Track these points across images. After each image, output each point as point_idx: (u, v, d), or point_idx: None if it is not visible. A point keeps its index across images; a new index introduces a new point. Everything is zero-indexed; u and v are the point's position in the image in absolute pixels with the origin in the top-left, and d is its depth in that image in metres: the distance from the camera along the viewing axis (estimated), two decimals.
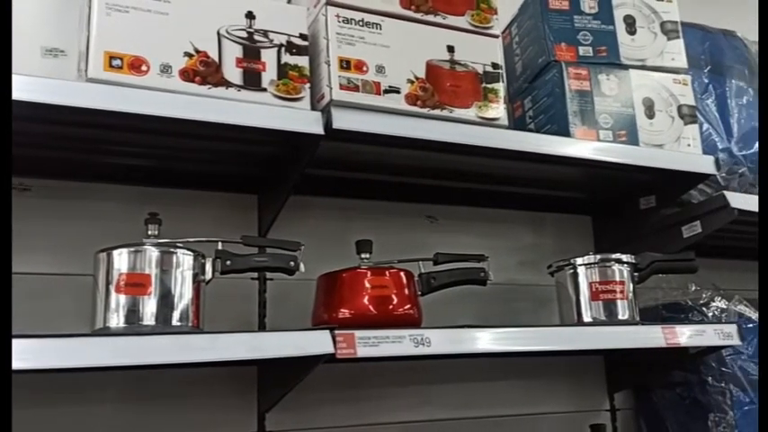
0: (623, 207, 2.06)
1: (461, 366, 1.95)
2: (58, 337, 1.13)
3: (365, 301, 1.51)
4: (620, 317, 1.76)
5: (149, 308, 1.29)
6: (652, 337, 1.65)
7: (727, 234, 2.02)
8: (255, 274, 1.73)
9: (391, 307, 1.53)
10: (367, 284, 1.53)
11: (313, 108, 1.43)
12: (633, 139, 1.78)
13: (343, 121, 1.41)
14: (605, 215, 2.17)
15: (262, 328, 1.69)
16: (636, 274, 1.83)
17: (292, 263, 1.43)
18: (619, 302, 1.77)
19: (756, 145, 2.01)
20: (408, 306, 1.56)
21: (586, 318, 1.76)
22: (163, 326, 1.29)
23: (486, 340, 1.50)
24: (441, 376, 1.94)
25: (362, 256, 1.61)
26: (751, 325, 1.92)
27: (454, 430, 1.68)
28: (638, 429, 2.08)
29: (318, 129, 1.40)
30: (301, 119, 1.39)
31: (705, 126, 1.99)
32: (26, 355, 1.09)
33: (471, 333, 1.49)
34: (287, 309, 1.73)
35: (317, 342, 1.32)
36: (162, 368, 1.58)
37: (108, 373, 1.57)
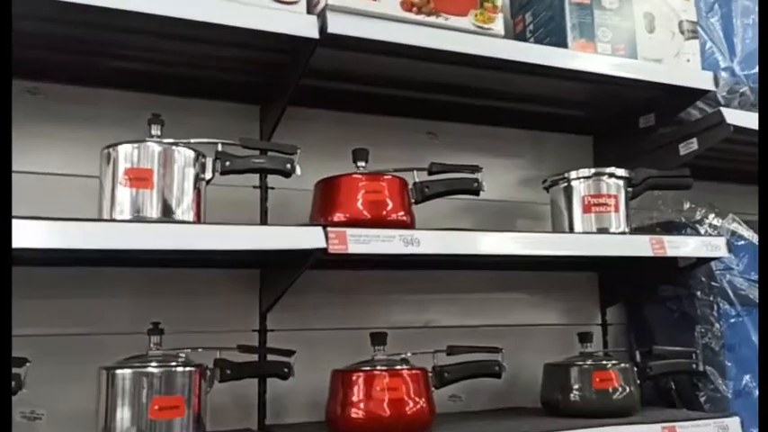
0: (623, 126, 2.09)
1: (458, 279, 2.03)
2: (67, 221, 1.21)
3: (359, 205, 1.57)
4: (611, 230, 1.81)
5: (153, 201, 1.37)
6: (640, 246, 1.70)
7: (725, 155, 2.05)
8: (257, 182, 1.81)
9: (384, 212, 1.59)
10: (361, 189, 1.58)
11: (309, 12, 1.46)
12: (632, 52, 1.79)
13: (337, 25, 1.44)
14: (605, 135, 2.19)
15: None
16: (630, 189, 1.87)
17: (289, 165, 1.49)
18: (612, 215, 1.82)
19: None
20: (402, 213, 1.61)
21: (578, 230, 1.81)
22: (166, 218, 1.36)
23: (476, 243, 1.56)
24: (437, 287, 2.01)
25: (359, 164, 1.66)
26: (743, 242, 1.96)
27: (448, 337, 1.76)
28: (628, 343, 2.16)
29: (314, 32, 1.43)
30: (297, 22, 1.42)
31: (708, 44, 1.98)
32: (39, 236, 1.18)
33: (462, 235, 1.55)
34: (287, 218, 1.80)
35: (310, 237, 1.39)
36: (168, 264, 1.68)
37: (123, 271, 1.67)
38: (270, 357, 1.60)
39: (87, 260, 1.58)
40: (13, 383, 1.26)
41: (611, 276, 2.16)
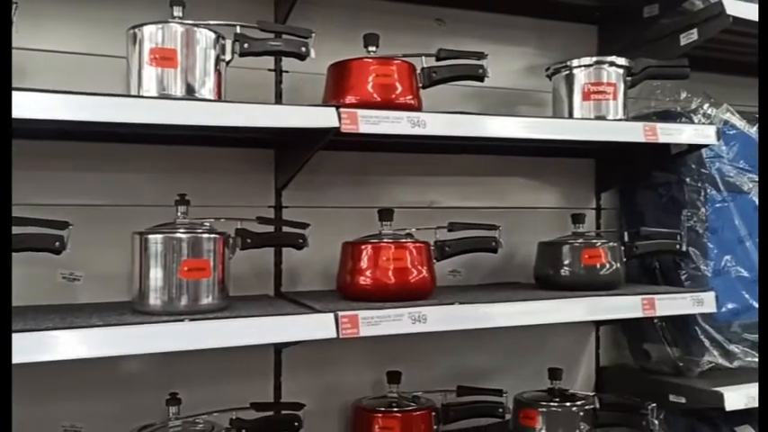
0: (627, 16, 2.13)
1: (462, 162, 2.14)
2: (94, 95, 1.32)
3: (369, 88, 1.66)
4: (608, 117, 1.90)
5: (177, 80, 1.46)
6: (633, 132, 1.80)
7: (724, 46, 2.10)
8: (272, 65, 1.88)
9: (393, 96, 1.68)
10: (372, 73, 1.66)
11: None
12: None
13: None
14: (610, 24, 2.23)
15: None
16: (629, 78, 1.94)
17: (304, 48, 1.57)
18: (610, 103, 1.91)
19: None
20: (410, 96, 1.70)
21: (577, 117, 1.90)
22: (189, 96, 1.46)
23: (479, 126, 1.66)
24: (441, 170, 2.13)
25: (369, 48, 1.73)
26: (734, 132, 2.06)
27: (450, 216, 1.88)
28: (620, 226, 2.29)
29: None
30: None
31: None
32: (68, 107, 1.28)
33: (466, 118, 1.65)
34: (300, 101, 1.88)
35: (325, 116, 1.49)
36: (191, 142, 1.79)
37: (151, 149, 1.79)
38: (285, 230, 1.73)
39: (119, 136, 1.69)
40: (57, 243, 1.41)
41: (607, 163, 2.27)
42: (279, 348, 1.93)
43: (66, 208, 1.57)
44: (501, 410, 1.89)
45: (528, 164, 2.24)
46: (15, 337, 1.24)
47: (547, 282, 1.95)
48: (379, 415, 1.79)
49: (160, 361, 1.80)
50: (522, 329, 2.14)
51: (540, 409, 1.86)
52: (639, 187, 2.21)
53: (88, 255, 1.70)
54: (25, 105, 1.27)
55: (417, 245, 1.70)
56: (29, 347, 1.26)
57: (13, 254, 1.41)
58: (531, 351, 2.20)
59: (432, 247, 1.75)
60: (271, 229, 1.73)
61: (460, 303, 1.62)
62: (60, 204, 1.61)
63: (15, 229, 1.39)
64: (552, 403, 1.88)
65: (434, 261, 1.76)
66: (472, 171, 2.17)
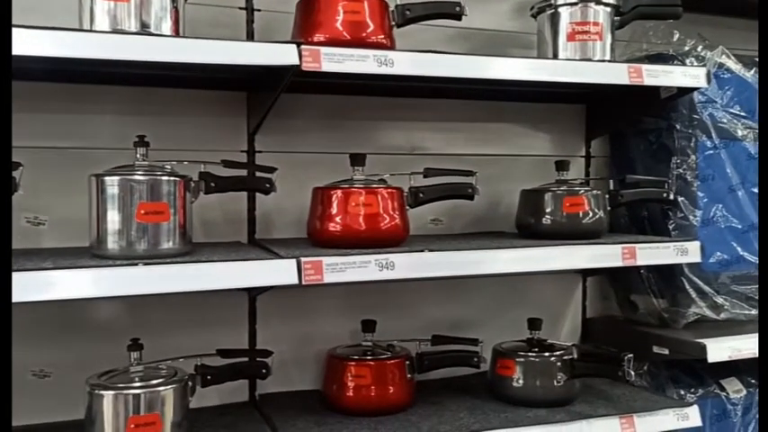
0: None
1: (446, 108, 2.07)
2: (43, 29, 1.26)
3: (338, 25, 1.58)
4: (595, 59, 1.81)
5: (130, 14, 1.41)
6: (617, 74, 1.71)
7: None
8: (243, 3, 1.81)
9: (363, 34, 1.60)
10: (340, 9, 1.58)
11: None
12: None
13: None
14: None
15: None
16: (617, 18, 1.85)
17: None
18: (597, 44, 1.82)
19: None
20: (381, 36, 1.62)
21: (561, 58, 1.82)
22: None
23: (453, 66, 1.59)
24: (423, 115, 2.06)
25: None
26: (728, 75, 1.96)
27: (432, 163, 1.82)
28: (610, 173, 2.22)
29: None
30: None
31: None
32: (24, 44, 1.23)
33: (438, 57, 1.57)
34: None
35: (284, 54, 1.42)
36: (152, 83, 1.73)
37: (106, 88, 1.73)
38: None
39: (75, 75, 1.63)
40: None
41: (597, 108, 2.18)
42: (253, 296, 1.90)
43: (26, 150, 1.52)
44: (476, 360, 1.86)
45: (515, 109, 2.16)
46: None
47: (528, 230, 1.89)
48: (352, 363, 1.76)
49: (127, 308, 1.78)
50: (504, 279, 2.11)
51: (518, 359, 1.83)
52: (630, 134, 2.13)
53: (52, 199, 1.66)
54: None
55: (389, 190, 1.65)
56: None
57: None
58: (512, 302, 2.16)
59: (405, 194, 1.70)
60: (242, 173, 1.68)
61: (430, 251, 1.57)
62: (16, 147, 1.56)
63: None
64: (530, 353, 1.84)
65: (408, 208, 1.70)
66: (457, 117, 2.10)
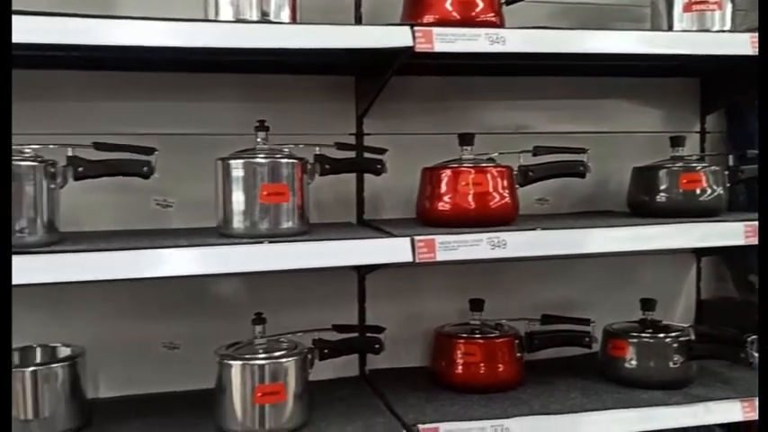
0: None
1: (551, 85, 2.04)
2: (173, 21, 1.34)
3: (448, 5, 1.60)
4: (713, 30, 1.74)
5: (251, 4, 1.46)
6: (740, 44, 1.63)
7: None
8: None
9: (473, 13, 1.61)
10: None
11: None
12: None
13: None
14: None
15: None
16: None
17: None
18: (716, 14, 1.75)
19: None
20: (491, 14, 1.63)
21: (677, 30, 1.76)
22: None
23: (566, 41, 1.57)
24: (528, 93, 2.04)
25: None
26: None
27: (538, 142, 1.80)
28: (726, 150, 2.12)
29: None
30: None
31: None
32: (150, 36, 1.31)
33: (551, 33, 1.56)
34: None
35: (398, 35, 1.45)
36: (269, 70, 1.80)
37: (227, 76, 1.81)
38: (365, 156, 1.72)
39: (199, 65, 1.73)
40: (145, 168, 1.48)
41: (712, 82, 2.09)
42: (362, 275, 1.96)
43: (155, 137, 1.62)
44: (588, 340, 1.84)
45: (624, 85, 2.10)
46: (110, 256, 1.33)
47: (641, 209, 1.85)
48: (461, 341, 1.79)
49: (248, 285, 1.87)
50: (615, 259, 2.07)
51: (631, 340, 1.80)
52: (749, 108, 2.02)
53: (179, 182, 1.77)
54: (107, 33, 1.31)
55: (499, 169, 1.65)
56: (121, 266, 1.34)
57: (110, 181, 1.50)
58: (622, 283, 2.12)
59: (514, 172, 1.70)
60: (351, 155, 1.73)
61: (542, 229, 1.57)
62: (149, 134, 1.67)
63: (107, 155, 1.47)
64: (644, 334, 1.81)
65: (517, 186, 1.70)
66: (563, 94, 2.07)
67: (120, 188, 1.69)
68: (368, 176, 1.92)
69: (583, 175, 1.74)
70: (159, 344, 1.83)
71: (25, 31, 1.26)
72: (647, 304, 1.88)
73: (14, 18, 1.24)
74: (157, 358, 1.82)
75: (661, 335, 1.79)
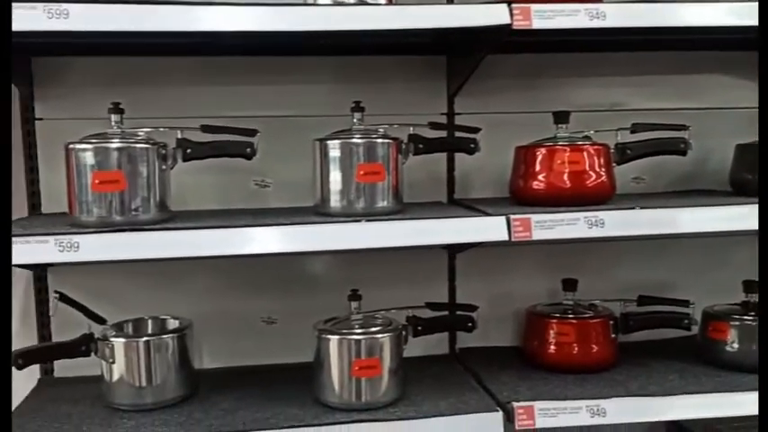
0: None
1: (647, 60, 1.99)
2: (273, 6, 1.38)
3: None
4: None
5: None
6: None
7: None
8: None
9: None
10: None
11: None
12: None
13: None
14: None
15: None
16: None
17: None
18: None
19: None
20: None
21: None
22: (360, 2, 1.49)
23: (670, 15, 1.51)
24: (623, 69, 1.99)
25: None
26: None
27: (634, 119, 1.76)
28: None
29: None
30: None
31: None
32: (251, 18, 1.36)
33: (654, 6, 1.51)
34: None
35: (495, 13, 1.45)
36: (361, 52, 1.83)
37: (321, 59, 1.85)
38: (457, 135, 1.73)
39: (296, 48, 1.77)
40: (248, 149, 1.53)
41: None
42: (453, 254, 1.97)
43: (255, 119, 1.68)
44: (687, 321, 1.79)
45: (725, 59, 2.01)
46: (216, 233, 1.39)
47: (745, 187, 1.78)
48: (555, 321, 1.78)
49: (342, 263, 1.92)
50: (712, 240, 2.00)
51: (732, 323, 1.74)
52: None
53: (277, 163, 1.83)
54: (209, 18, 1.37)
55: (595, 147, 1.63)
56: (226, 243, 1.41)
57: (212, 163, 1.57)
58: (720, 264, 2.05)
59: (611, 150, 1.66)
60: (443, 134, 1.74)
61: (641, 208, 1.54)
62: (249, 116, 1.73)
63: (211, 137, 1.53)
64: (746, 317, 1.75)
65: (614, 165, 1.67)
66: (659, 69, 2.00)
67: (221, 170, 1.76)
68: (458, 156, 1.92)
69: (684, 153, 1.68)
70: (258, 318, 1.91)
71: (129, 19, 1.33)
72: (750, 286, 1.81)
73: (115, 6, 1.31)
74: (256, 332, 1.90)
75: None
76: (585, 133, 1.68)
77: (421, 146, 1.64)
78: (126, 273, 1.83)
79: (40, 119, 1.76)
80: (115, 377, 1.57)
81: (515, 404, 1.54)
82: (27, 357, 1.49)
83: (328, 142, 1.55)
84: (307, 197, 1.81)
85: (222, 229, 1.40)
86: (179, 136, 1.51)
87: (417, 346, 1.87)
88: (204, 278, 1.87)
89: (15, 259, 1.33)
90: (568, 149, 1.62)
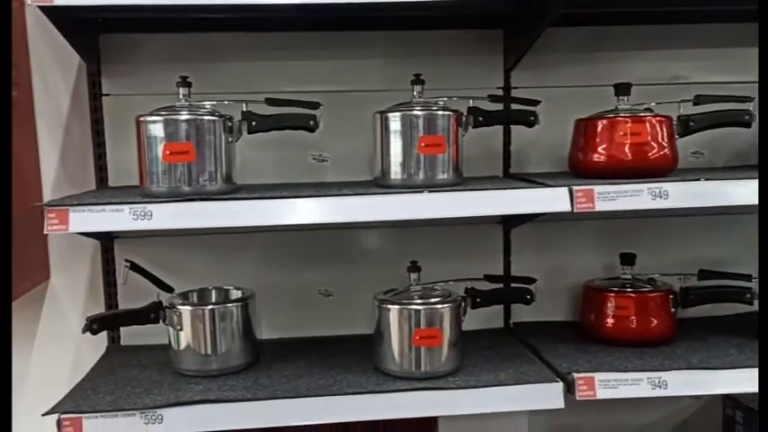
0: None
1: (710, 32, 1.96)
2: None
3: None
4: None
5: None
6: None
7: None
8: None
9: None
10: None
11: None
12: None
13: None
14: None
15: None
16: None
17: None
18: None
19: None
20: None
21: None
22: None
23: None
24: (686, 41, 1.96)
25: None
26: None
27: (695, 92, 1.73)
28: None
29: None
30: None
31: None
32: None
33: None
34: None
35: None
36: (415, 27, 1.83)
37: (381, 33, 1.87)
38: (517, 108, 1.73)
39: (354, 23, 1.79)
40: (311, 122, 1.56)
41: None
42: (507, 229, 1.98)
43: (313, 94, 1.70)
44: (749, 296, 1.77)
45: None
46: (280, 203, 1.42)
47: None
48: (613, 294, 1.78)
49: (398, 237, 1.94)
50: None
51: None
52: None
53: (334, 138, 1.85)
54: None
55: (658, 118, 1.61)
56: (288, 212, 1.43)
57: (271, 138, 1.60)
58: None
59: (674, 122, 1.64)
60: (501, 108, 1.74)
61: (706, 179, 1.52)
62: (308, 91, 1.75)
63: (275, 110, 1.56)
64: None
65: (677, 137, 1.65)
66: (722, 41, 1.97)
67: (280, 145, 1.79)
68: (515, 131, 1.92)
69: (748, 125, 1.65)
70: (315, 291, 1.94)
71: None
72: None
73: None
74: (314, 304, 1.94)
75: None
76: (647, 105, 1.67)
77: (481, 118, 1.64)
78: (188, 245, 1.88)
79: (107, 95, 1.81)
80: (182, 344, 1.61)
81: (576, 375, 1.54)
82: (101, 323, 1.54)
83: (389, 114, 1.56)
84: (363, 172, 1.85)
85: (289, 199, 1.43)
86: (244, 109, 1.54)
87: (472, 321, 1.88)
88: (263, 251, 1.91)
89: (90, 227, 1.38)
90: (630, 121, 1.61)
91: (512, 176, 1.90)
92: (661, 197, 1.49)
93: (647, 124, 1.60)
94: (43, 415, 1.42)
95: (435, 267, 1.73)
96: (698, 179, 1.52)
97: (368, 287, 1.72)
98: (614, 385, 1.55)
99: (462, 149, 1.61)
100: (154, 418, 1.44)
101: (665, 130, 1.61)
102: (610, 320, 1.77)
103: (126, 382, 1.59)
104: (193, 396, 1.49)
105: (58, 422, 1.41)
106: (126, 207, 1.38)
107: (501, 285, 1.77)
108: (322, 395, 1.50)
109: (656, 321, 1.74)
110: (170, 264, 1.84)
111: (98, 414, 1.43)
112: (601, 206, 1.48)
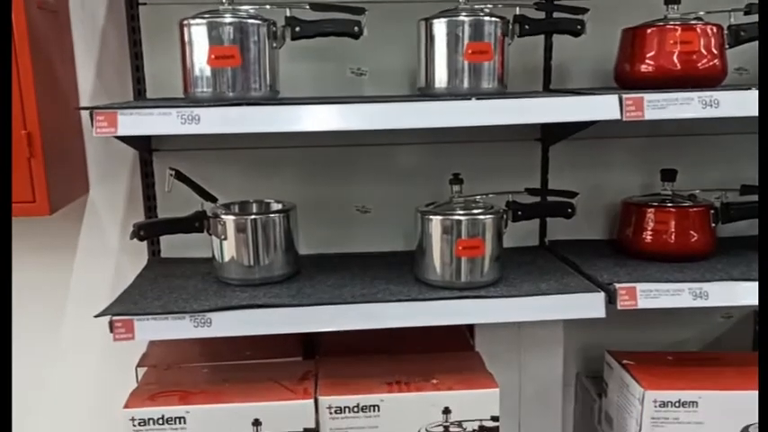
0: None
1: None
2: None
3: None
4: None
5: None
6: None
7: None
8: None
9: None
10: None
11: None
12: None
13: None
14: None
15: None
16: None
17: None
18: None
19: None
20: None
21: None
22: None
23: None
24: None
25: None
26: None
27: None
28: None
29: None
30: None
31: None
32: None
33: None
34: None
35: None
36: None
37: None
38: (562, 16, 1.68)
39: None
40: (355, 28, 1.52)
41: None
42: (546, 147, 1.96)
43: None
44: None
45: None
46: (330, 108, 1.40)
47: None
48: (653, 209, 1.77)
49: (437, 152, 1.93)
50: None
51: None
52: None
53: (372, 51, 1.81)
54: None
55: (709, 26, 1.57)
56: (341, 117, 1.42)
57: (309, 50, 1.56)
58: None
59: (725, 32, 1.60)
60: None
61: (757, 88, 1.49)
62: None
63: (317, 16, 1.53)
64: None
65: (727, 47, 1.61)
66: None
67: (317, 57, 1.76)
68: (556, 44, 1.88)
69: None
70: (353, 207, 1.95)
71: None
72: None
73: None
74: (351, 220, 1.94)
75: None
76: (696, 14, 1.62)
77: (527, 26, 1.60)
78: (226, 159, 1.88)
79: (144, 3, 1.78)
80: (226, 252, 1.63)
81: (617, 285, 1.55)
82: (147, 229, 1.56)
83: (435, 21, 1.53)
84: (402, 86, 1.82)
85: (338, 104, 1.42)
86: (288, 14, 1.51)
87: (508, 238, 1.88)
88: (299, 168, 1.91)
89: (139, 130, 1.37)
90: (680, 29, 1.57)
91: (552, 92, 1.87)
92: (711, 106, 1.46)
93: (698, 32, 1.56)
94: (96, 317, 1.45)
95: (474, 184, 1.73)
96: (749, 88, 1.49)
97: (405, 204, 1.71)
98: (656, 295, 1.56)
99: (508, 59, 1.58)
100: (203, 321, 1.47)
101: (715, 39, 1.57)
102: (649, 236, 1.76)
103: (171, 290, 1.61)
104: (240, 302, 1.51)
105: (111, 323, 1.44)
106: (174, 111, 1.37)
107: (540, 199, 1.77)
108: (367, 302, 1.52)
109: (696, 236, 1.74)
110: (209, 177, 1.83)
111: (149, 316, 1.46)
112: (650, 114, 1.46)
